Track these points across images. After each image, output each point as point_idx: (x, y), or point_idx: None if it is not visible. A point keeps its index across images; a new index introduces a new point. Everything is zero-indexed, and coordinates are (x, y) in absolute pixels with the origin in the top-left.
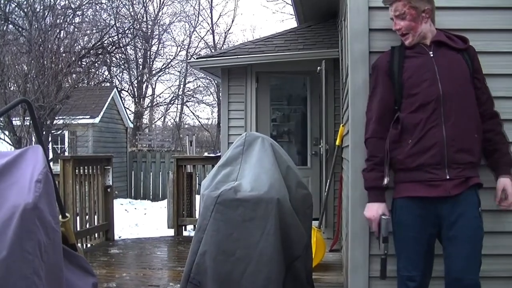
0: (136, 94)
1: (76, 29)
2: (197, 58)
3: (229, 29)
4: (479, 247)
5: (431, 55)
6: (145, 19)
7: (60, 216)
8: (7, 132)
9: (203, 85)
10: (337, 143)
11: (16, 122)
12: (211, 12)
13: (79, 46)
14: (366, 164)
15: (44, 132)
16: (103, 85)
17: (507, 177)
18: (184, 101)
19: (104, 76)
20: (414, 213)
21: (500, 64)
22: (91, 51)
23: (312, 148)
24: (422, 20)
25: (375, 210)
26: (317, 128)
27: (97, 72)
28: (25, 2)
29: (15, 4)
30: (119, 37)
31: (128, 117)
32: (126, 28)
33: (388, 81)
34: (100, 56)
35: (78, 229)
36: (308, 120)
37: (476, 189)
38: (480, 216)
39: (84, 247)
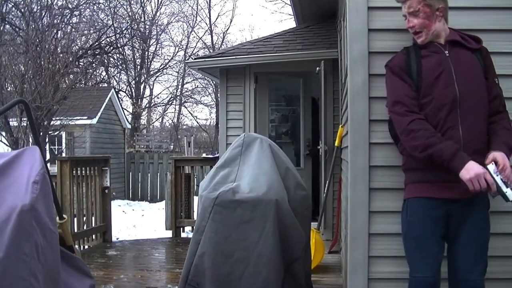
0: (134, 94)
1: (73, 29)
2: (195, 59)
3: (227, 29)
4: (485, 248)
5: (447, 54)
6: (143, 19)
7: (58, 218)
8: (4, 133)
9: (201, 86)
10: (336, 144)
11: (13, 123)
12: (209, 12)
13: (77, 47)
14: (432, 140)
15: (41, 133)
16: (100, 85)
17: (499, 151)
18: (182, 101)
19: (102, 77)
20: (427, 213)
21: (500, 65)
22: (88, 52)
23: (305, 149)
24: (436, 18)
25: (476, 165)
26: (310, 129)
27: (94, 72)
28: (22, 2)
29: (12, 4)
30: (117, 37)
31: (126, 118)
32: (123, 28)
33: (408, 79)
34: (97, 56)
35: (76, 230)
36: (301, 121)
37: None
38: (488, 218)
39: (82, 248)
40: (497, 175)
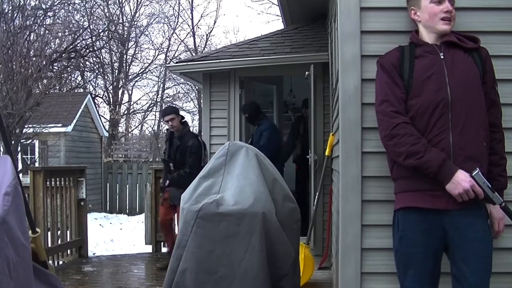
0: (111, 100)
1: (47, 31)
2: (176, 62)
3: (211, 31)
4: (489, 262)
5: (442, 56)
6: (121, 21)
7: (30, 232)
8: None
9: (183, 91)
10: (326, 153)
11: None
12: (191, 13)
13: (51, 50)
14: (416, 147)
15: (13, 142)
16: (76, 91)
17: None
18: (163, 108)
19: (77, 82)
20: (419, 227)
21: (501, 69)
22: (63, 55)
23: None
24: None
25: (464, 175)
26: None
27: (69, 77)
28: None
29: None
30: (93, 39)
31: (103, 125)
32: (100, 30)
33: (398, 78)
34: (73, 60)
35: (49, 245)
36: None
37: (484, 200)
38: (489, 230)
39: (56, 264)
40: (483, 182)
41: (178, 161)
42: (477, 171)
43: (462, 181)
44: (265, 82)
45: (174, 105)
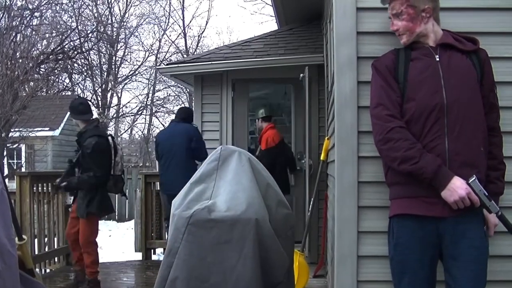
0: (100, 103)
1: (34, 32)
2: (167, 64)
3: (202, 32)
4: (484, 270)
5: (437, 59)
6: (110, 21)
7: (17, 239)
8: None
9: (174, 94)
10: (321, 157)
11: None
12: (182, 13)
13: (37, 51)
14: (411, 152)
15: None
16: (63, 94)
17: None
18: (153, 111)
19: (65, 84)
20: (414, 234)
21: (501, 71)
22: (50, 57)
23: (297, 164)
24: (422, 20)
25: (460, 182)
26: (302, 141)
27: (57, 79)
28: None
29: None
30: (82, 41)
31: None
32: (89, 31)
33: (394, 82)
34: (60, 62)
35: (36, 252)
36: (292, 133)
37: (480, 207)
38: (485, 236)
39: (43, 272)
40: (480, 190)
41: (82, 163)
42: (474, 178)
43: (458, 188)
44: (277, 82)
45: (83, 102)
